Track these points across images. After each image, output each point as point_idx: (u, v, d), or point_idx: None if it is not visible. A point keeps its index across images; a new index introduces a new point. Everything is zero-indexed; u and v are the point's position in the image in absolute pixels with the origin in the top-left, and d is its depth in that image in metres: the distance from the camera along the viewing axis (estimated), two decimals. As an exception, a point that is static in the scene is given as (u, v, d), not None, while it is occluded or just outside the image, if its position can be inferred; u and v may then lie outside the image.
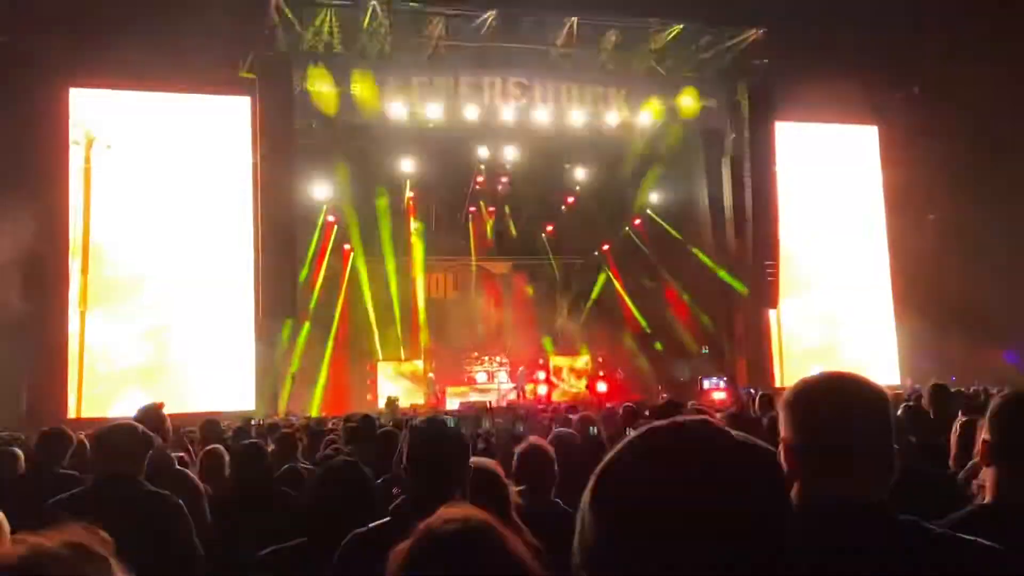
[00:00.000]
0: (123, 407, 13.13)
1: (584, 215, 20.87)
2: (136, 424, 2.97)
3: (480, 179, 19.98)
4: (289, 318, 16.12)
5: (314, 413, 15.00)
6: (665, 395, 15.20)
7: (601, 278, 21.36)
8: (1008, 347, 16.95)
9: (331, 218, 18.60)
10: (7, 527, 1.94)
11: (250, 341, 15.72)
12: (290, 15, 15.60)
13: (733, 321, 19.01)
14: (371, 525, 1.97)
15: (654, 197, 20.42)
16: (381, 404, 15.42)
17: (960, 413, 4.13)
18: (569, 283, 22.02)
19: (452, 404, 17.19)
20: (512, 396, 18.11)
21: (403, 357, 19.01)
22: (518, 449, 2.94)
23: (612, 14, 16.95)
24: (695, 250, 19.23)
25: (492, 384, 18.64)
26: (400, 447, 3.89)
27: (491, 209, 21.04)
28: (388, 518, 1.97)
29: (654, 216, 20.36)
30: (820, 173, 19.57)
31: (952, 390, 5.32)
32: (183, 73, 15.12)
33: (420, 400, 17.51)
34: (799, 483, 1.33)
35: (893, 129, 19.48)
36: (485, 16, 16.06)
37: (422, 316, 19.95)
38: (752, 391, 11.79)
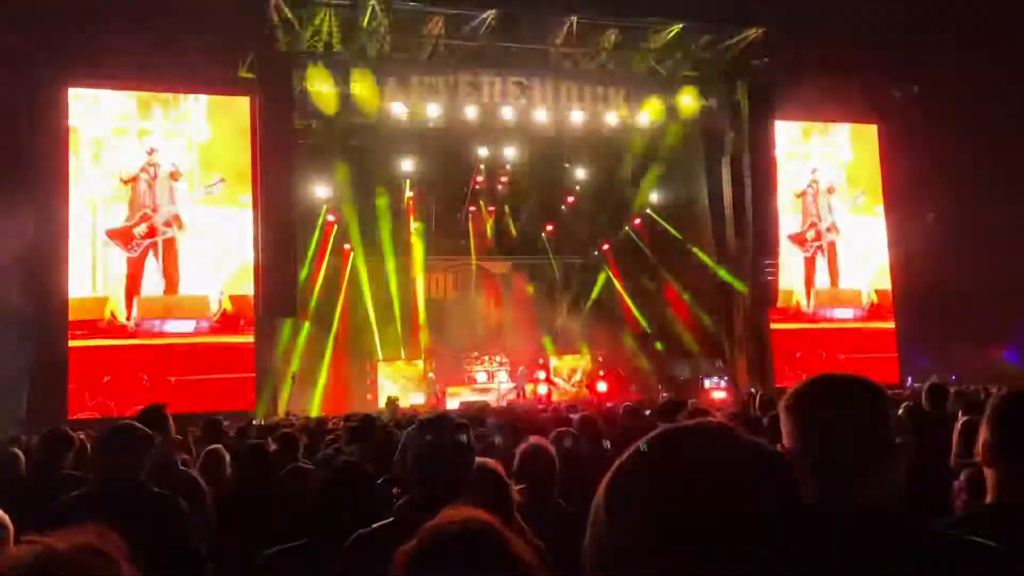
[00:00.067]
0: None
1: (584, 215, 20.89)
2: (138, 424, 2.97)
3: (480, 179, 19.98)
4: (289, 318, 16.12)
5: (314, 413, 15.00)
6: (665, 394, 15.22)
7: (601, 278, 21.36)
8: (1008, 346, 16.96)
9: (331, 218, 18.61)
10: (11, 528, 1.94)
11: (250, 341, 15.73)
12: (289, 15, 15.60)
13: (733, 320, 19.02)
14: (374, 525, 1.98)
15: (654, 196, 20.43)
16: (381, 404, 15.42)
17: (961, 412, 4.14)
18: (569, 283, 22.03)
19: (452, 404, 17.18)
20: (512, 396, 18.12)
21: (403, 357, 19.01)
22: (520, 449, 2.95)
23: (612, 13, 16.95)
24: (695, 249, 19.24)
25: (492, 384, 18.64)
26: (400, 447, 3.90)
27: (491, 209, 21.05)
28: (391, 518, 1.98)
29: (654, 215, 20.37)
30: (820, 171, 19.58)
31: (953, 389, 5.31)
32: (183, 73, 15.12)
33: (420, 400, 17.52)
34: (803, 488, 1.33)
35: (893, 128, 19.48)
36: (484, 15, 16.06)
37: (422, 316, 19.96)
38: (753, 391, 11.79)
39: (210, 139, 16.12)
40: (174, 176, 15.83)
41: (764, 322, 18.60)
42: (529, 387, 18.71)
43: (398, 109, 16.38)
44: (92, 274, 15.29)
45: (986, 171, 17.04)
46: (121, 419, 3.19)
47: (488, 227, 21.20)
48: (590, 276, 21.73)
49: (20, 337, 13.75)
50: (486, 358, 19.24)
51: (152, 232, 15.65)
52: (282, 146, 15.39)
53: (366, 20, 15.86)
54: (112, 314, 15.23)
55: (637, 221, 20.75)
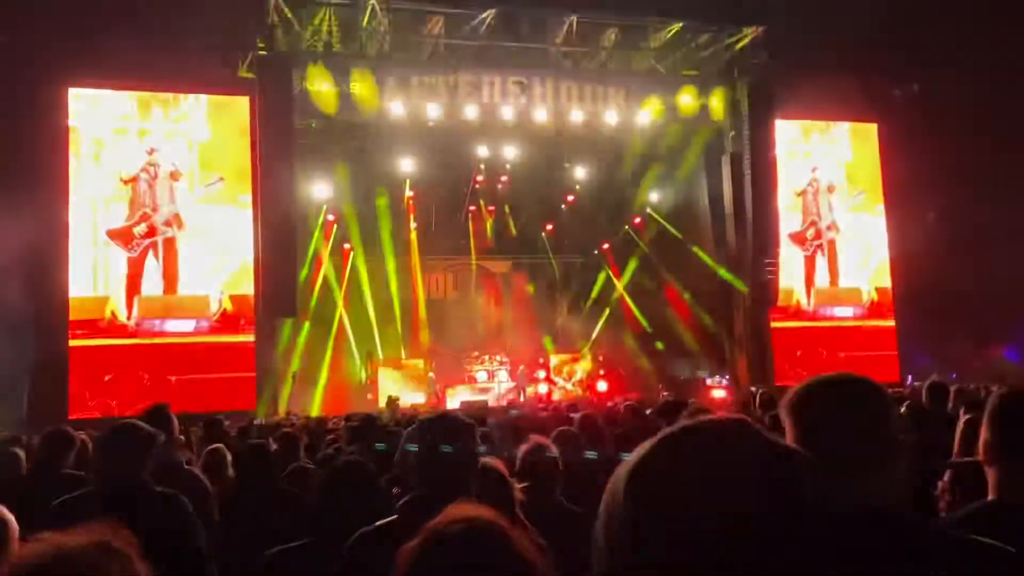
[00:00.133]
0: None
1: (584, 214, 20.89)
2: (140, 424, 2.98)
3: (480, 178, 19.98)
4: (289, 318, 16.13)
5: (314, 413, 15.01)
6: (665, 393, 15.23)
7: (601, 277, 21.37)
8: (1009, 344, 16.96)
9: (331, 217, 18.60)
10: (16, 527, 1.95)
11: (251, 340, 15.75)
12: (289, 15, 15.60)
13: (733, 319, 19.02)
14: (378, 523, 1.98)
15: (654, 196, 20.43)
16: (382, 404, 15.42)
17: (962, 411, 4.13)
18: (569, 282, 22.04)
19: (452, 404, 17.19)
20: (512, 395, 18.13)
21: (404, 357, 19.01)
22: (522, 448, 2.95)
23: (611, 12, 16.96)
24: (695, 248, 19.24)
25: (492, 383, 18.64)
26: (401, 446, 3.90)
27: (491, 208, 21.04)
28: (394, 516, 1.98)
29: (654, 215, 20.37)
30: (820, 170, 19.59)
31: (953, 388, 5.31)
32: (183, 73, 15.12)
33: (421, 400, 17.53)
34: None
35: (893, 126, 19.48)
36: (484, 15, 16.07)
37: (422, 315, 19.96)
38: (754, 390, 11.79)
39: (210, 139, 16.13)
40: (174, 176, 15.84)
41: (764, 321, 18.60)
42: (530, 387, 18.72)
43: (398, 109, 16.38)
44: (92, 274, 15.30)
45: (986, 169, 17.04)
46: (123, 418, 3.19)
47: (488, 227, 21.20)
48: (590, 276, 21.73)
49: (21, 337, 13.75)
50: (486, 358, 19.24)
51: (152, 232, 15.66)
52: (282, 146, 15.38)
53: (366, 20, 15.86)
54: (112, 313, 15.24)
55: (637, 220, 20.75)
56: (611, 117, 17.51)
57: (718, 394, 16.51)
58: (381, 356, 18.69)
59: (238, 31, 15.41)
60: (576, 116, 17.36)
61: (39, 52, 13.93)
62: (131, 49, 13.83)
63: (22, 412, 13.55)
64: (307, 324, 17.11)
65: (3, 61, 13.44)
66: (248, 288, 15.88)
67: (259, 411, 14.55)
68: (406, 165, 18.54)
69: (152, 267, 15.59)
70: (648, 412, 6.28)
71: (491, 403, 16.33)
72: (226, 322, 15.83)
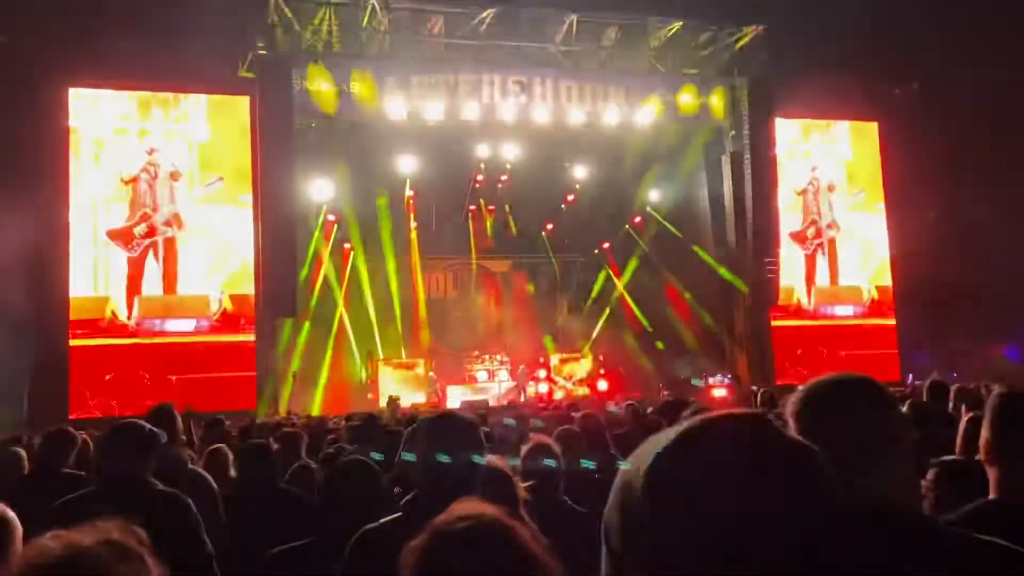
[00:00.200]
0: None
1: (584, 213, 20.88)
2: (142, 423, 2.98)
3: (480, 177, 19.97)
4: (289, 318, 16.13)
5: (315, 412, 15.01)
6: (666, 393, 15.23)
7: (601, 276, 21.37)
8: (1009, 343, 16.96)
9: (331, 217, 18.60)
10: (19, 527, 1.95)
11: (251, 340, 15.76)
12: (289, 14, 15.61)
13: (734, 318, 19.03)
14: (382, 520, 1.99)
15: (654, 195, 20.41)
16: (382, 403, 15.42)
17: (964, 409, 4.13)
18: (569, 281, 22.04)
19: (453, 403, 17.19)
20: (512, 395, 18.13)
21: (404, 356, 19.01)
22: (525, 446, 2.95)
23: (611, 11, 16.97)
24: (695, 248, 19.25)
25: (493, 383, 18.64)
26: (405, 443, 3.90)
27: (491, 207, 21.03)
28: (398, 514, 1.98)
29: (654, 214, 20.37)
30: (820, 169, 19.60)
31: (954, 387, 5.31)
32: (182, 73, 15.11)
33: (421, 399, 17.53)
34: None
35: (893, 125, 19.48)
36: (484, 14, 16.07)
37: (423, 315, 19.96)
38: (755, 388, 11.80)
39: (210, 139, 16.13)
40: (174, 176, 15.85)
41: (765, 320, 18.60)
42: (531, 387, 18.72)
43: (398, 108, 16.38)
44: (93, 274, 15.31)
45: (986, 168, 17.05)
46: (126, 418, 3.19)
47: (488, 226, 21.20)
48: (590, 275, 21.73)
49: (21, 337, 13.75)
50: (487, 357, 19.24)
51: (152, 232, 15.67)
52: (282, 146, 15.38)
53: (366, 19, 15.86)
54: (113, 313, 15.26)
55: (637, 220, 20.74)
56: (611, 116, 17.51)
57: (719, 393, 16.52)
58: (381, 356, 18.69)
59: (238, 31, 15.40)
60: (576, 115, 17.35)
61: (39, 52, 13.93)
62: (131, 49, 13.82)
63: (22, 412, 13.55)
64: (307, 324, 17.10)
65: (3, 61, 13.44)
66: (248, 288, 15.89)
67: (259, 411, 14.55)
68: (406, 165, 18.52)
69: (152, 267, 15.60)
70: (649, 411, 6.29)
71: (492, 403, 16.33)
72: (226, 322, 15.84)
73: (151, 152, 15.75)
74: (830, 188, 19.61)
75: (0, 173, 13.12)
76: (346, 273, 18.92)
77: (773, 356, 18.52)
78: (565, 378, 19.49)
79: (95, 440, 4.95)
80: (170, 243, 15.76)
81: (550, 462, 2.75)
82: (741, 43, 17.83)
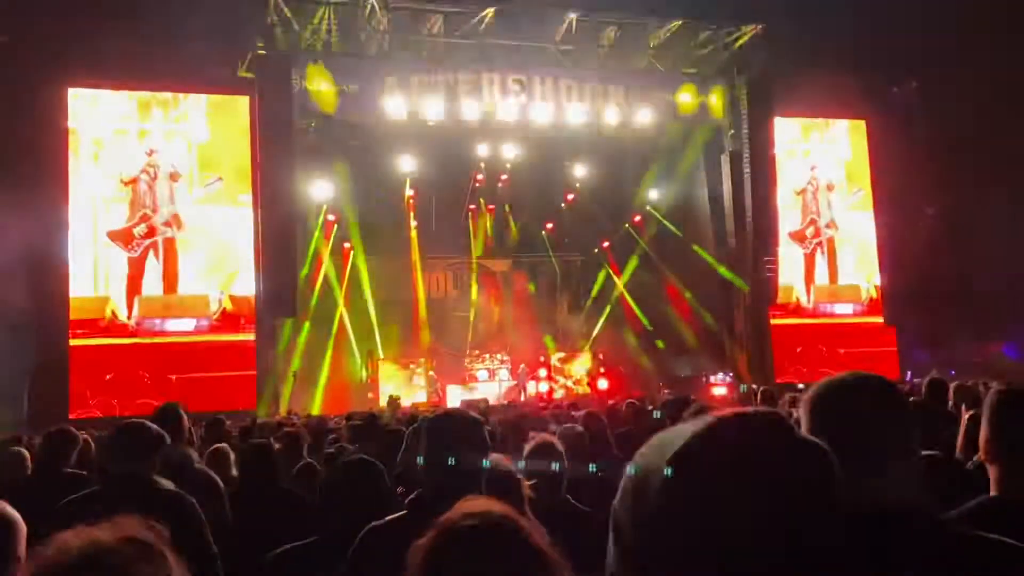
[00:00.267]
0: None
1: (584, 212, 20.88)
2: (147, 423, 2.99)
3: (480, 177, 19.97)
4: (290, 317, 16.12)
5: (315, 412, 15.02)
6: (667, 391, 15.22)
7: (601, 275, 21.38)
8: (1007, 340, 16.98)
9: (331, 217, 18.59)
10: (23, 527, 1.95)
11: (251, 339, 15.76)
12: (288, 14, 15.59)
13: (733, 317, 19.04)
14: (388, 518, 1.99)
15: (654, 194, 20.42)
16: (383, 403, 15.41)
17: (963, 408, 4.14)
18: (569, 281, 22.04)
19: (453, 402, 17.18)
20: (513, 394, 18.12)
21: (404, 356, 19.00)
22: (528, 445, 2.96)
23: (611, 11, 16.95)
24: (695, 247, 19.26)
25: (493, 382, 18.65)
26: (405, 445, 3.91)
27: (491, 207, 21.04)
28: (403, 512, 1.99)
29: (654, 213, 20.37)
30: (819, 168, 19.60)
31: (953, 384, 5.31)
32: (182, 73, 15.12)
33: (422, 398, 17.53)
34: None
35: (891, 123, 19.49)
36: (483, 13, 16.06)
37: (423, 314, 19.96)
38: (755, 387, 11.80)
39: (209, 139, 16.12)
40: (174, 177, 15.85)
41: (764, 318, 18.61)
42: (531, 386, 18.73)
43: (397, 108, 16.38)
44: (93, 274, 15.31)
45: (985, 166, 17.05)
46: (131, 417, 3.20)
47: (488, 225, 21.20)
48: (590, 274, 21.74)
49: (21, 337, 13.76)
50: (487, 356, 19.25)
51: (152, 232, 15.67)
52: (282, 146, 15.38)
53: (366, 19, 15.85)
54: (113, 313, 15.26)
55: (637, 219, 20.75)
56: (611, 115, 17.51)
57: (719, 391, 16.53)
58: (382, 355, 18.70)
59: (238, 31, 15.39)
60: (576, 114, 17.36)
61: (39, 52, 13.92)
62: (131, 49, 13.84)
63: (22, 412, 13.55)
64: (308, 323, 17.11)
65: (3, 61, 13.43)
66: (248, 288, 15.89)
67: (260, 410, 14.55)
68: (406, 164, 18.53)
69: (152, 267, 15.60)
70: (649, 408, 6.30)
71: (492, 401, 16.32)
72: (226, 322, 15.84)
73: (151, 153, 15.75)
74: (829, 187, 19.62)
75: (0, 173, 13.11)
76: (346, 273, 18.92)
77: (773, 354, 18.53)
78: (565, 377, 19.50)
79: (99, 439, 4.95)
80: (170, 243, 15.76)
81: (555, 465, 2.76)
82: (740, 42, 17.83)
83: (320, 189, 18.01)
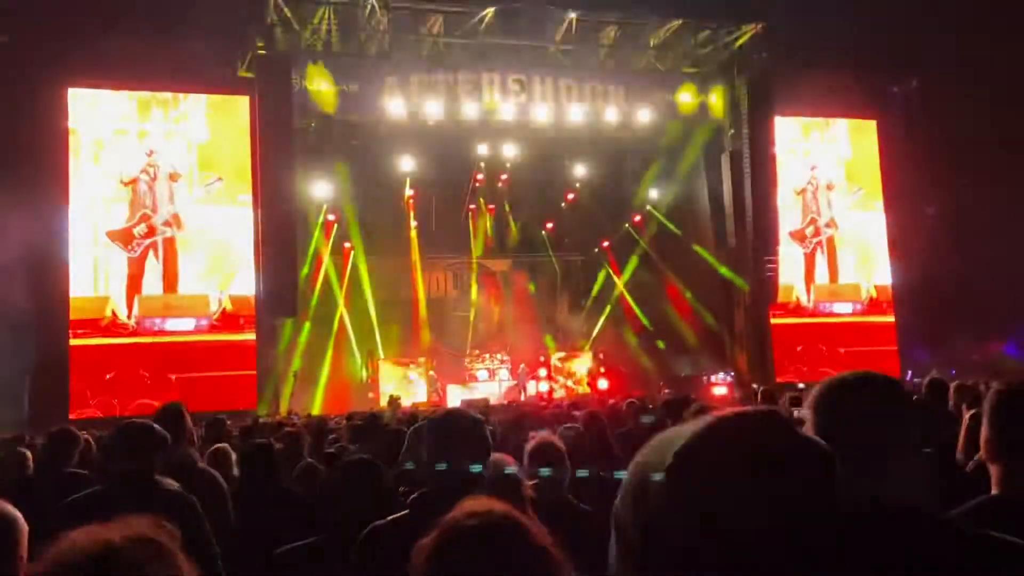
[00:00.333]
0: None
1: (584, 212, 20.88)
2: (149, 423, 2.99)
3: (480, 176, 19.98)
4: (290, 317, 16.13)
5: (315, 412, 15.02)
6: (667, 391, 15.23)
7: (601, 275, 21.38)
8: (1009, 339, 16.98)
9: (331, 217, 18.60)
10: (25, 527, 1.96)
11: (251, 339, 15.77)
12: (288, 14, 15.60)
13: (734, 316, 19.04)
14: (390, 517, 2.00)
15: (654, 193, 20.42)
16: (383, 403, 15.41)
17: (964, 407, 4.14)
18: (569, 280, 22.04)
19: (453, 402, 17.19)
20: (513, 393, 18.13)
21: (405, 356, 19.00)
22: (529, 444, 2.96)
23: (611, 10, 16.96)
24: (695, 246, 19.26)
25: (493, 382, 18.65)
26: (406, 444, 3.91)
27: (491, 207, 21.05)
28: (406, 511, 1.99)
29: (654, 212, 20.37)
30: (819, 168, 19.61)
31: (953, 384, 5.31)
32: (182, 73, 15.12)
33: (422, 398, 17.53)
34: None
35: (892, 122, 19.50)
36: (483, 13, 16.07)
37: (423, 314, 19.97)
38: (755, 386, 11.82)
39: (209, 139, 16.14)
40: (173, 177, 15.86)
41: (764, 318, 18.62)
42: (531, 386, 18.73)
43: (397, 107, 16.38)
44: (93, 274, 15.32)
45: (985, 164, 17.05)
46: (134, 417, 3.20)
47: (488, 225, 21.21)
48: (591, 273, 21.74)
49: (21, 337, 13.77)
50: (487, 356, 19.25)
51: (152, 232, 15.68)
52: (282, 145, 15.39)
53: (366, 19, 15.85)
54: (113, 313, 15.28)
55: (637, 218, 20.75)
56: (611, 115, 17.51)
57: (719, 391, 16.54)
58: (382, 355, 18.70)
59: (238, 31, 15.40)
60: (576, 114, 17.36)
61: (39, 52, 13.92)
62: (130, 49, 13.83)
63: (23, 411, 13.56)
64: (308, 323, 17.12)
65: (3, 61, 13.44)
66: (248, 288, 15.90)
67: (260, 410, 14.57)
68: (406, 164, 18.54)
69: (152, 267, 15.62)
70: (649, 407, 6.30)
71: (492, 401, 16.33)
72: (226, 322, 15.86)
73: (150, 153, 15.76)
74: (829, 187, 19.63)
75: (0, 173, 13.12)
76: (346, 272, 18.93)
77: (773, 354, 18.54)
78: (565, 377, 19.50)
79: (102, 439, 4.96)
80: (170, 243, 15.77)
81: (556, 465, 2.76)
82: (740, 42, 17.83)
83: (320, 189, 18.02)
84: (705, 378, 18.05)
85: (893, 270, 19.56)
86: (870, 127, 20.10)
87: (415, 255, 20.10)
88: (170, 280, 15.71)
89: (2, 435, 7.05)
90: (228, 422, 6.99)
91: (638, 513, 0.77)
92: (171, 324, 15.57)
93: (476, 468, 1.98)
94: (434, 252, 20.56)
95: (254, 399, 15.27)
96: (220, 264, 16.02)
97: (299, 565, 2.41)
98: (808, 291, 19.26)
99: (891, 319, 19.57)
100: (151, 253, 15.65)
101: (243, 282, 15.95)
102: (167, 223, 15.75)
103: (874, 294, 19.68)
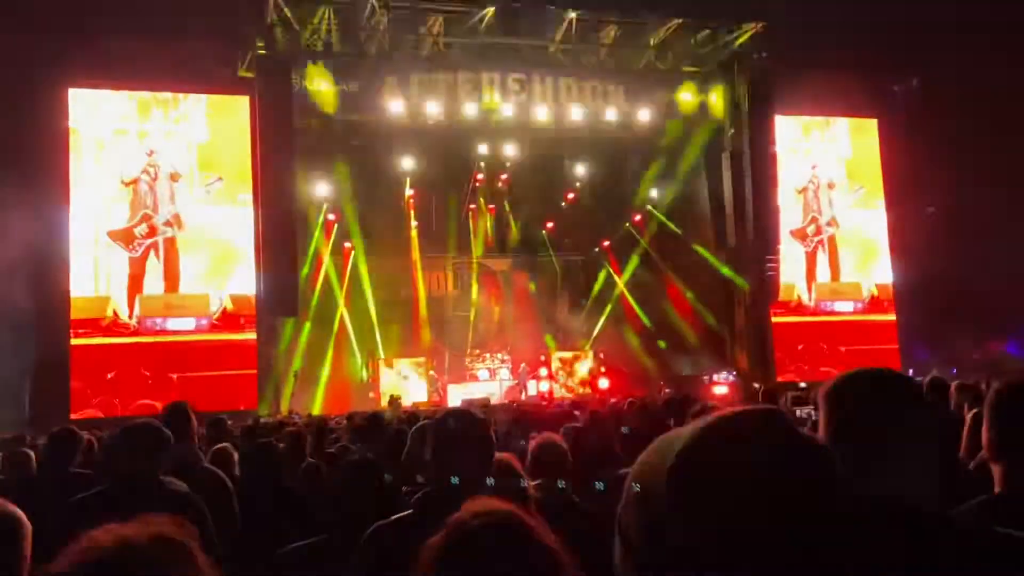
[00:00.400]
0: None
1: (584, 211, 20.88)
2: (153, 423, 2.99)
3: (480, 176, 19.98)
4: (291, 317, 16.13)
5: (316, 411, 15.03)
6: (667, 391, 15.23)
7: (602, 275, 21.38)
8: (1009, 338, 16.99)
9: (331, 217, 18.60)
10: (29, 527, 1.96)
11: (252, 338, 15.79)
12: (288, 14, 15.60)
13: (734, 316, 19.04)
14: (394, 517, 2.00)
15: (654, 193, 20.41)
16: (383, 402, 15.42)
17: (966, 406, 4.14)
18: (570, 280, 22.04)
19: (454, 401, 17.19)
20: (514, 393, 18.13)
21: (405, 355, 19.00)
22: (532, 443, 2.96)
23: (611, 9, 16.96)
24: (696, 245, 19.26)
25: (494, 381, 18.66)
26: (409, 444, 3.91)
27: (491, 206, 21.05)
28: (410, 511, 1.99)
29: (654, 212, 20.37)
30: (820, 167, 19.62)
31: (955, 383, 5.31)
32: (182, 73, 15.13)
33: (423, 398, 17.53)
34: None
35: (893, 121, 19.50)
36: (483, 13, 16.06)
37: (423, 313, 19.97)
38: (756, 386, 11.82)
39: (209, 139, 16.15)
40: (174, 177, 15.88)
41: (765, 317, 18.63)
42: (532, 385, 18.73)
43: (397, 107, 16.38)
44: (94, 274, 15.34)
45: (986, 164, 17.06)
46: (138, 417, 3.21)
47: (488, 225, 21.21)
48: (591, 273, 21.74)
49: (22, 337, 13.78)
50: (488, 355, 19.25)
51: (153, 232, 15.70)
52: (282, 145, 15.38)
53: (366, 19, 15.85)
54: (114, 312, 15.29)
55: (638, 218, 20.74)
56: (611, 114, 17.51)
57: (720, 390, 16.54)
58: (382, 355, 18.70)
59: (238, 31, 15.40)
60: (576, 113, 17.35)
61: (39, 52, 13.92)
62: (131, 49, 13.85)
63: (24, 411, 13.58)
64: (308, 323, 17.12)
65: (3, 61, 13.44)
66: (248, 288, 15.91)
67: (261, 409, 14.59)
68: (406, 163, 18.54)
69: (153, 267, 15.64)
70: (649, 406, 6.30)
71: (493, 401, 16.34)
72: (227, 321, 15.87)
73: (151, 153, 15.78)
74: (830, 185, 19.64)
75: (1, 173, 13.13)
76: (347, 272, 18.93)
77: (774, 353, 18.55)
78: (566, 376, 19.50)
79: (107, 439, 4.96)
80: (171, 243, 15.78)
81: (559, 464, 2.77)
82: (740, 40, 17.82)
83: (320, 189, 18.03)
84: (706, 377, 18.05)
85: (894, 269, 19.57)
86: (871, 126, 20.11)
87: (415, 255, 20.11)
88: (171, 280, 15.73)
89: (2, 435, 7.05)
90: (229, 422, 7.00)
91: (641, 514, 0.77)
92: (172, 324, 15.58)
93: (479, 469, 1.98)
94: (434, 252, 20.57)
95: (255, 399, 15.28)
96: (221, 264, 16.03)
97: (302, 565, 2.41)
98: (809, 290, 19.26)
99: (892, 318, 19.58)
100: (152, 253, 15.67)
101: (243, 282, 15.96)
102: (168, 223, 15.77)
103: (875, 293, 19.69)
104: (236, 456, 4.48)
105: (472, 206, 20.76)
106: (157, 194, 15.76)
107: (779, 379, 16.88)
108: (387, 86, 16.31)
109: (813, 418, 5.16)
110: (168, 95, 15.94)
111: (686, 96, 17.82)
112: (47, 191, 14.76)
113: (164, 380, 14.96)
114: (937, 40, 16.47)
